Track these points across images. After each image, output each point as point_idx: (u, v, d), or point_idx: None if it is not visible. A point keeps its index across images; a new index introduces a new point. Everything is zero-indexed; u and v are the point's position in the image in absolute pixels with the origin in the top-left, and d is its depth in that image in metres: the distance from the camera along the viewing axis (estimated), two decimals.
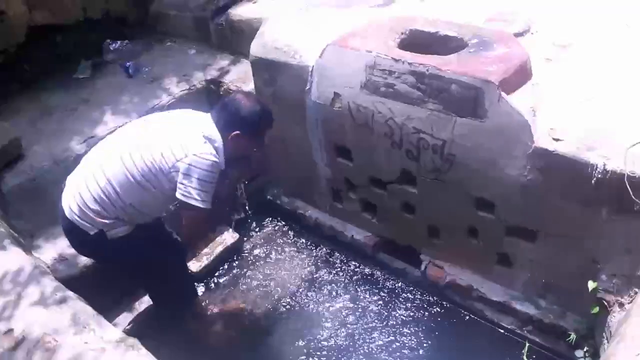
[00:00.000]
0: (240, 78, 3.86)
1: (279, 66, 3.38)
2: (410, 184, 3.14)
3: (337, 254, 3.72)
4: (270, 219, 4.03)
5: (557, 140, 2.50)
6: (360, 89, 3.04)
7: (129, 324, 3.28)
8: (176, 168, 2.54)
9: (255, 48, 3.51)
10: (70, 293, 2.42)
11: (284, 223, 3.99)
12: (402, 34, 3.12)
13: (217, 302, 3.51)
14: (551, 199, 2.60)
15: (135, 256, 2.78)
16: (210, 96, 3.96)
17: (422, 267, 3.33)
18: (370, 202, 3.45)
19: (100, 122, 3.56)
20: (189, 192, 2.55)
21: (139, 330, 3.26)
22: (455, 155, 2.82)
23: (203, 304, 3.46)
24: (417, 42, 3.07)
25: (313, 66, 3.21)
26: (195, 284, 3.47)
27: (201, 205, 2.58)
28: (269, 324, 3.38)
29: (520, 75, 2.70)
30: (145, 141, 2.60)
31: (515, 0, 3.55)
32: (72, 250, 3.23)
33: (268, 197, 4.04)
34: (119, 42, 4.28)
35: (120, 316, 3.30)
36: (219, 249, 3.72)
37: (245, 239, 3.89)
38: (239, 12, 4.01)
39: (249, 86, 3.67)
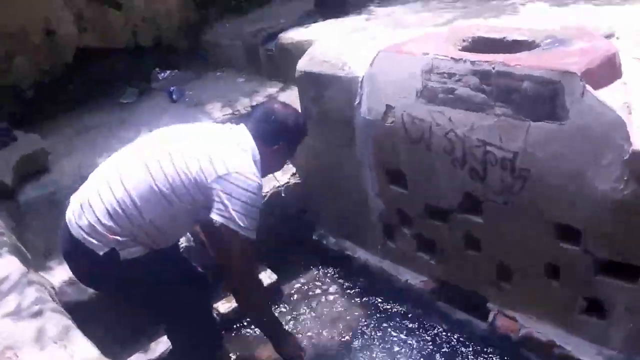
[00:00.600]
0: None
1: (326, 80, 3.04)
2: (475, 212, 2.62)
3: (388, 302, 3.19)
4: (315, 261, 3.58)
5: None
6: (416, 98, 2.63)
7: None
8: (217, 185, 2.16)
9: (302, 63, 3.21)
10: (51, 305, 2.05)
11: (330, 266, 3.52)
12: (463, 41, 2.72)
13: (245, 350, 3.04)
14: None
15: (151, 283, 2.32)
16: None
17: (490, 319, 2.74)
18: (427, 238, 2.93)
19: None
20: (231, 216, 2.15)
21: None
22: (530, 170, 2.31)
23: (230, 354, 2.99)
24: (480, 49, 2.66)
25: (363, 77, 2.85)
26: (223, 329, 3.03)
27: (244, 233, 2.19)
28: None
29: (608, 70, 2.21)
30: (177, 149, 2.23)
31: (593, 12, 3.17)
32: None
33: (314, 237, 3.60)
34: (168, 71, 4.14)
35: (132, 356, 2.91)
36: None
37: (284, 281, 3.44)
38: (289, 36, 3.78)
39: None
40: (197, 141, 2.27)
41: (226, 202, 2.14)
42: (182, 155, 2.19)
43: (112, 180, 2.21)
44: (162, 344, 2.96)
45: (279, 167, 2.61)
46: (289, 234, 3.56)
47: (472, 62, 2.41)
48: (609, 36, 2.71)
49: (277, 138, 2.39)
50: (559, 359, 2.49)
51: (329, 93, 3.05)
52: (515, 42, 2.60)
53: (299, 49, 3.57)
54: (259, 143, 2.35)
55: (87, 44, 3.88)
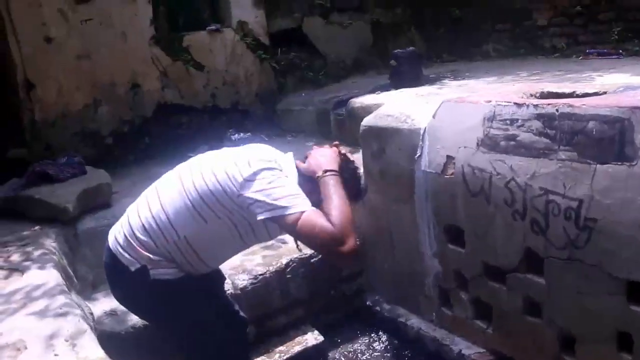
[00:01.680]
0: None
1: (389, 133, 3.01)
2: (536, 272, 2.40)
3: None
4: (367, 327, 3.36)
5: None
6: (477, 148, 2.53)
7: None
8: (244, 190, 1.98)
9: (367, 119, 3.23)
10: (77, 311, 2.02)
11: (382, 333, 3.29)
12: (531, 95, 2.66)
13: None
14: None
15: (181, 311, 2.20)
16: None
17: None
18: (485, 303, 2.70)
19: None
20: (273, 206, 1.93)
21: None
22: (596, 220, 2.11)
23: None
24: None
25: (425, 128, 2.81)
26: None
27: (296, 210, 1.92)
28: None
29: None
30: (210, 162, 2.15)
31: None
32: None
33: (367, 302, 3.42)
34: (241, 133, 4.27)
35: None
36: (297, 348, 3.10)
37: (333, 346, 3.25)
38: (360, 100, 3.83)
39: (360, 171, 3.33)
40: (232, 152, 2.17)
41: (260, 198, 1.95)
42: (212, 167, 2.09)
43: (151, 197, 2.17)
44: None
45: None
46: (342, 297, 3.42)
47: (535, 106, 2.32)
48: None
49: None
50: None
51: (390, 147, 3.01)
52: (585, 94, 2.51)
53: (368, 112, 3.58)
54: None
55: (168, 100, 4.12)
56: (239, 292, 2.99)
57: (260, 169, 1.99)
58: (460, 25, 6.01)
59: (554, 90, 2.65)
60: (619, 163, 2.02)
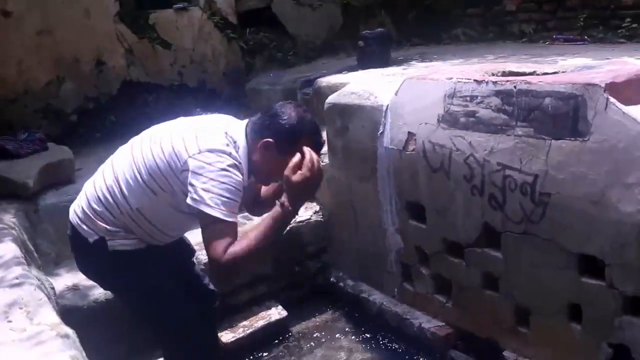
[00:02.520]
0: None
1: (352, 110, 3.01)
2: (494, 246, 2.44)
3: (400, 348, 2.94)
4: (330, 303, 3.39)
5: None
6: (437, 124, 2.55)
7: None
8: (187, 166, 1.95)
9: (331, 97, 3.22)
10: (34, 281, 1.98)
11: (345, 309, 3.32)
12: (492, 74, 2.66)
13: None
14: None
15: (142, 282, 2.17)
16: None
17: None
18: (445, 278, 2.73)
19: None
20: (200, 196, 1.91)
21: None
22: (550, 195, 2.14)
23: None
24: None
25: (387, 105, 2.81)
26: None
27: (215, 214, 1.88)
28: None
29: (637, 87, 2.08)
30: (160, 135, 2.09)
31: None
32: (89, 283, 2.89)
33: (331, 279, 3.43)
34: (208, 112, 4.21)
35: None
36: (260, 323, 3.12)
37: (295, 320, 3.26)
38: (326, 80, 3.81)
39: (325, 148, 3.32)
40: (184, 125, 2.11)
41: (194, 181, 1.92)
42: (161, 140, 2.04)
43: (106, 170, 2.15)
44: None
45: (263, 172, 2.13)
46: (306, 273, 3.43)
47: (494, 83, 2.33)
48: None
49: (264, 131, 2.04)
50: None
51: (353, 124, 3.01)
52: (545, 73, 2.53)
53: (334, 91, 3.56)
54: (251, 137, 2.07)
55: (134, 78, 4.04)
56: (202, 267, 2.97)
57: (208, 149, 1.95)
58: (431, 10, 6.02)
59: (515, 70, 2.66)
60: (573, 139, 2.05)
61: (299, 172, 1.93)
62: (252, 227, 2.00)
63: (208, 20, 4.48)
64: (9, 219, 2.83)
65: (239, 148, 2.04)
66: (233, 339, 2.99)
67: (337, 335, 3.17)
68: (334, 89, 3.62)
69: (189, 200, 1.92)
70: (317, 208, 3.45)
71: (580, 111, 2.02)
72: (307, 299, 3.40)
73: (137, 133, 4.09)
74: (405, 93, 2.73)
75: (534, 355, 2.39)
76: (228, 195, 1.91)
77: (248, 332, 3.06)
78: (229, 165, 1.95)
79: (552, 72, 2.51)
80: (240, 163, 2.01)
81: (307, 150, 1.97)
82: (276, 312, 3.19)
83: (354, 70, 4.06)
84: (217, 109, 4.28)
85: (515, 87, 2.24)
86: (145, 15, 4.28)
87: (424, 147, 2.61)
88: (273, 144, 2.02)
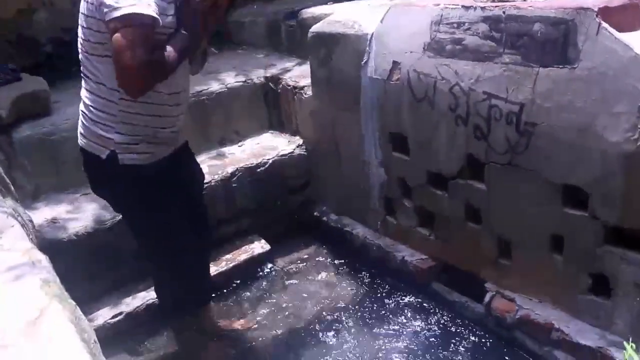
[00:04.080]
0: (301, 75, 3.39)
1: (336, 39, 2.87)
2: (477, 178, 2.38)
3: (383, 281, 2.93)
4: (314, 237, 3.35)
5: None
6: (423, 52, 2.43)
7: (112, 318, 2.69)
8: (101, 4, 1.81)
9: (315, 26, 3.07)
10: (4, 209, 1.89)
11: (328, 243, 3.29)
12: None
13: (223, 316, 2.83)
14: None
15: (147, 198, 2.17)
16: (267, 93, 3.53)
17: (486, 300, 2.46)
18: (428, 211, 2.69)
19: None
20: (109, 6, 1.77)
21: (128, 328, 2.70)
22: (535, 125, 2.07)
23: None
24: None
25: (372, 34, 2.68)
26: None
27: (131, 10, 1.75)
28: (278, 352, 2.64)
29: (631, 14, 1.97)
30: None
31: None
32: (69, 216, 2.83)
33: (315, 213, 3.38)
34: None
35: (104, 309, 2.73)
36: (243, 257, 3.09)
37: (279, 254, 3.23)
38: (311, 10, 3.64)
39: (309, 81, 3.20)
40: None
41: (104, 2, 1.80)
42: (81, 9, 1.96)
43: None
44: (138, 299, 2.78)
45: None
46: (289, 207, 3.38)
47: (483, 9, 2.20)
48: None
49: None
50: (557, 344, 2.18)
51: (337, 53, 2.88)
52: None
53: (319, 22, 3.43)
54: None
55: None
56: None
57: None
58: None
59: None
60: (561, 66, 1.95)
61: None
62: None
63: None
64: None
65: None
66: (216, 272, 2.95)
67: (320, 269, 3.16)
68: (318, 19, 3.45)
69: (106, 19, 1.79)
70: (300, 142, 3.35)
71: (571, 37, 1.92)
72: (291, 234, 3.35)
73: None
74: (391, 21, 2.60)
75: (515, 286, 2.37)
76: None
77: (231, 265, 3.04)
78: None
79: None
80: None
81: None
82: (259, 246, 3.15)
83: (341, 1, 3.88)
84: None
85: (504, 12, 2.12)
86: None
87: (409, 76, 2.51)
88: None
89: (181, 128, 2.29)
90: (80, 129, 2.16)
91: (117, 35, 1.78)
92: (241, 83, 3.48)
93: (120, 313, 2.73)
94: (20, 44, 3.60)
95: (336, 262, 3.17)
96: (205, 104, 3.36)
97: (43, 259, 1.59)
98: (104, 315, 2.71)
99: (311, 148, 3.34)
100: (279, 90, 3.47)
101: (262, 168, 3.21)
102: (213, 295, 2.74)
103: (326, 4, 3.81)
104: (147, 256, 2.43)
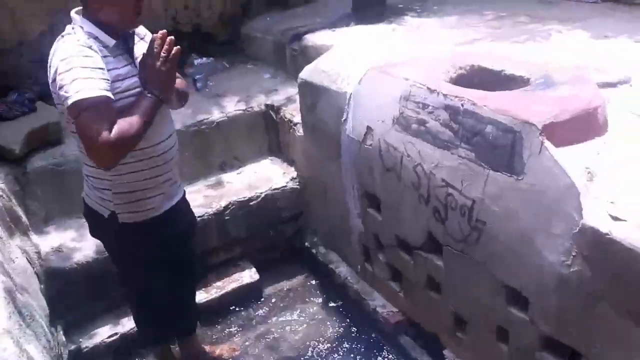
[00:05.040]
0: (297, 108, 3.36)
1: (319, 91, 2.84)
2: (437, 254, 2.36)
3: (357, 325, 2.99)
4: (303, 267, 3.43)
5: (617, 219, 1.62)
6: (392, 125, 2.38)
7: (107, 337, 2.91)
8: (55, 88, 1.91)
9: (305, 71, 3.02)
10: None
11: (316, 274, 3.36)
12: (460, 68, 2.43)
13: (208, 342, 2.98)
14: (601, 308, 1.70)
15: (135, 251, 2.29)
16: (268, 119, 3.54)
17: None
18: (397, 269, 2.70)
19: None
20: (63, 96, 1.84)
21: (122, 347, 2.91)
22: (485, 224, 2.02)
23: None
24: (475, 81, 2.35)
25: (351, 94, 2.63)
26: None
27: (78, 97, 1.80)
28: None
29: (582, 125, 1.87)
30: None
31: (626, 50, 2.73)
32: (73, 244, 3.01)
33: (306, 243, 3.44)
34: (204, 58, 4.06)
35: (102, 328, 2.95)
36: (232, 285, 3.20)
37: (268, 282, 3.33)
38: (312, 38, 3.57)
39: None
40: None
41: (57, 90, 1.88)
42: None
43: None
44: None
45: (113, 20, 1.99)
46: (281, 235, 3.44)
47: (445, 96, 2.14)
48: (621, 82, 2.30)
49: None
50: None
51: (321, 104, 2.86)
52: (509, 77, 2.29)
53: (318, 53, 3.36)
54: (83, 6, 2.01)
55: None
56: None
57: (57, 64, 1.89)
58: None
59: (484, 66, 2.39)
60: (508, 174, 1.89)
61: (152, 59, 1.97)
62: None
63: None
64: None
65: (79, 26, 1.97)
66: (205, 300, 3.09)
67: (306, 301, 3.24)
68: (319, 50, 3.41)
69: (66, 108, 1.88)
70: (295, 174, 3.38)
71: (517, 148, 1.84)
72: (282, 261, 3.43)
73: None
74: (367, 85, 2.55)
75: (470, 359, 2.39)
76: (81, 75, 1.84)
77: (220, 293, 3.15)
78: (67, 51, 1.89)
79: (519, 75, 2.25)
80: (86, 35, 1.94)
81: (158, 35, 1.99)
82: (248, 275, 3.24)
83: (346, 21, 3.78)
84: (212, 53, 4.17)
85: (462, 105, 2.05)
86: None
87: (380, 145, 2.47)
88: None
89: (176, 176, 2.34)
90: (84, 187, 2.27)
91: (77, 121, 1.88)
92: (242, 111, 3.50)
93: (116, 334, 2.93)
94: (43, 64, 3.71)
95: (322, 296, 3.25)
96: (206, 133, 3.42)
97: None
98: (102, 334, 2.92)
99: (304, 182, 3.36)
100: (278, 120, 3.48)
101: (255, 201, 3.26)
102: (197, 323, 2.86)
103: (333, 25, 3.73)
104: (124, 287, 2.59)
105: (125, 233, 2.23)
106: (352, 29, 3.59)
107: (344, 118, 2.68)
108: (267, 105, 3.54)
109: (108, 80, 1.92)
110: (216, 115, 3.45)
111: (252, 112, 3.52)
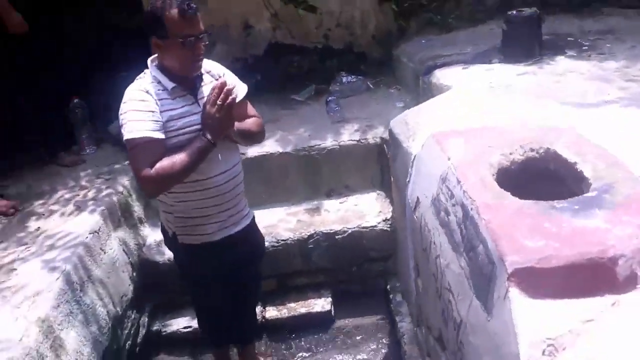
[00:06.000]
0: None
1: (397, 144, 2.70)
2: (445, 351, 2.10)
3: None
4: (379, 307, 3.31)
5: None
6: (431, 204, 2.15)
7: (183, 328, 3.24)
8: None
9: (394, 120, 2.86)
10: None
11: (389, 319, 3.22)
12: (531, 150, 2.05)
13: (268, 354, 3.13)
14: None
15: (194, 271, 2.54)
16: (381, 155, 3.43)
17: None
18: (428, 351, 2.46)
19: None
20: (122, 130, 2.15)
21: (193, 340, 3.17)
22: (464, 346, 1.75)
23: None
24: (551, 167, 1.99)
25: (415, 156, 2.43)
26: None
27: (126, 137, 2.11)
28: None
29: (585, 276, 1.45)
30: None
31: None
32: None
33: (388, 287, 3.30)
34: (352, 76, 4.06)
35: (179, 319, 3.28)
36: (302, 310, 3.26)
37: (342, 314, 3.29)
38: (440, 75, 3.29)
39: None
40: None
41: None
42: None
43: None
44: None
45: (175, 68, 2.18)
46: (365, 273, 3.36)
47: (464, 192, 1.85)
48: None
49: (147, 34, 2.16)
50: None
51: (399, 158, 2.69)
52: (577, 176, 1.86)
53: (439, 91, 3.14)
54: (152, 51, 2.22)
55: (279, 40, 4.06)
56: None
57: (121, 105, 2.17)
58: None
59: (560, 152, 1.97)
60: (483, 308, 1.59)
61: (208, 106, 2.12)
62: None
63: None
64: (125, 181, 3.39)
65: (149, 71, 2.22)
66: (274, 317, 3.22)
67: (372, 344, 3.13)
68: (440, 89, 3.19)
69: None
70: (388, 216, 3.24)
71: (492, 283, 1.54)
72: (363, 295, 3.35)
73: (279, 90, 4.21)
74: (426, 151, 2.32)
75: None
76: (133, 118, 2.11)
77: (287, 315, 3.24)
78: (128, 94, 2.17)
79: (583, 175, 1.83)
80: (151, 79, 2.19)
81: (217, 84, 2.12)
82: (320, 305, 3.25)
83: (490, 57, 3.40)
84: (363, 72, 4.14)
85: (471, 209, 1.76)
86: None
87: (421, 221, 2.25)
88: (154, 40, 2.14)
89: (238, 207, 2.45)
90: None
91: (128, 156, 2.23)
92: (355, 142, 3.45)
93: (190, 326, 3.20)
94: None
95: (386, 344, 3.09)
96: (316, 159, 3.46)
97: None
98: (180, 324, 3.25)
99: (396, 224, 3.20)
100: (388, 156, 3.34)
101: (340, 236, 3.24)
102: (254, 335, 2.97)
103: (474, 60, 3.39)
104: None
105: (184, 252, 2.47)
106: (485, 68, 3.23)
107: (407, 179, 2.49)
108: (382, 139, 3.42)
109: (158, 121, 2.14)
110: (329, 142, 3.46)
111: (365, 144, 3.45)
